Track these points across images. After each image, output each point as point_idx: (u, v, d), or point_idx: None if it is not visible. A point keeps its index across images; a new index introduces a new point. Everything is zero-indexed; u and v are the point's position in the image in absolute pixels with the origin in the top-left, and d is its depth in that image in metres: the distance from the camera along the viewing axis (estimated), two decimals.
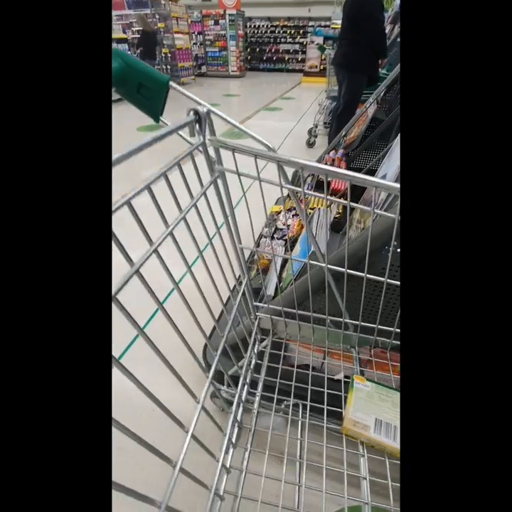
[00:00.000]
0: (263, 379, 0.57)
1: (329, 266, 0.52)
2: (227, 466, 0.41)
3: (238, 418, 0.48)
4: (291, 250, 1.04)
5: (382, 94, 1.45)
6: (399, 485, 0.43)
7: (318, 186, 1.19)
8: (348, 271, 0.51)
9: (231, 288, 0.53)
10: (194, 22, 8.40)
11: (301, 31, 8.71)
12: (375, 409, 0.46)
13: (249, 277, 0.56)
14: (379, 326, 0.56)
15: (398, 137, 0.88)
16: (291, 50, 9.03)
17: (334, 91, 3.20)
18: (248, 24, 9.05)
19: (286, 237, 1.20)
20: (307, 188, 1.43)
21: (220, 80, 8.44)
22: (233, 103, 5.97)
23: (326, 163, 1.42)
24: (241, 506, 0.42)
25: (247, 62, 9.28)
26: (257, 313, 0.63)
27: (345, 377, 0.58)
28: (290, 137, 3.82)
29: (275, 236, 1.43)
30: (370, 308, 0.59)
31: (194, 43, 8.46)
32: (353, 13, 2.25)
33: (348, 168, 1.47)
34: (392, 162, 0.81)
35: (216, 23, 8.38)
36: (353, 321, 0.58)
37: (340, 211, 1.01)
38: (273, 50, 9.26)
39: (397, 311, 0.55)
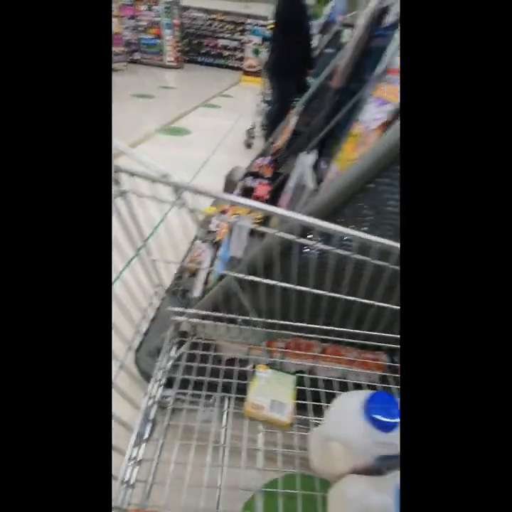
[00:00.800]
0: (180, 378, 0.63)
1: (236, 274, 0.60)
2: (139, 459, 0.46)
3: (152, 416, 0.53)
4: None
5: (304, 106, 1.59)
6: (288, 450, 0.54)
7: (245, 192, 1.28)
8: (251, 277, 0.59)
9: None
10: (125, 5, 7.81)
11: (240, 28, 8.74)
12: (271, 392, 0.55)
13: (163, 287, 0.61)
14: (280, 322, 0.66)
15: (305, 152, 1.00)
16: (229, 47, 9.02)
17: (268, 95, 3.34)
18: (184, 14, 8.74)
19: (215, 241, 1.26)
20: (237, 194, 1.51)
21: (156, 69, 8.02)
22: (170, 96, 5.76)
23: (254, 169, 1.51)
24: (171, 493, 0.46)
25: (184, 54, 8.98)
26: (175, 318, 0.68)
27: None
28: (229, 137, 3.87)
29: (207, 239, 1.48)
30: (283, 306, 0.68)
31: (125, 28, 7.86)
32: (280, 20, 2.38)
33: (276, 173, 1.58)
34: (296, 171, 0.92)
35: (149, 8, 7.92)
36: (259, 319, 0.67)
37: (260, 216, 1.10)
38: (211, 45, 9.13)
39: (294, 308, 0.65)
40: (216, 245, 1.24)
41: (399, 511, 0.32)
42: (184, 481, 0.50)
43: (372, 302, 0.60)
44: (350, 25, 3.35)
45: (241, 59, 8.65)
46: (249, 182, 1.31)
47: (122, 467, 0.44)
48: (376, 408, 0.39)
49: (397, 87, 0.60)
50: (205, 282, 1.00)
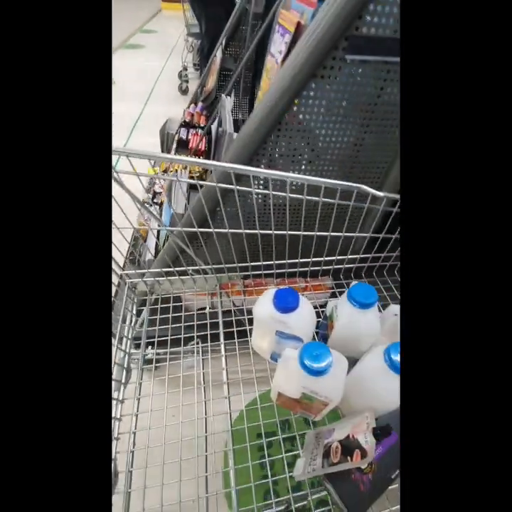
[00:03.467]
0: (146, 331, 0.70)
1: (183, 229, 0.64)
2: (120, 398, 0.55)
3: (125, 364, 0.60)
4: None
5: (226, 40, 1.46)
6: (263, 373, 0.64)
7: (180, 144, 1.23)
8: (197, 229, 0.63)
9: None
10: None
11: None
12: None
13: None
14: (228, 265, 0.72)
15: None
16: None
17: (195, 27, 2.94)
18: None
19: (159, 203, 1.25)
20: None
21: None
22: None
23: (185, 119, 1.43)
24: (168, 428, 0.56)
25: None
26: (130, 281, 0.72)
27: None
28: (160, 83, 3.47)
29: (154, 201, 1.45)
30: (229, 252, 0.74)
31: None
32: None
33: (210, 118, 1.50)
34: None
35: None
36: (207, 266, 0.73)
37: (199, 170, 1.09)
38: None
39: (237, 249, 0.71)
40: (162, 206, 1.23)
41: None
42: (179, 417, 0.58)
43: (313, 233, 0.67)
44: None
45: None
46: (184, 134, 1.25)
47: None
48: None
49: (294, 14, 0.58)
50: (156, 245, 1.02)
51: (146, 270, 0.74)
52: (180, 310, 0.75)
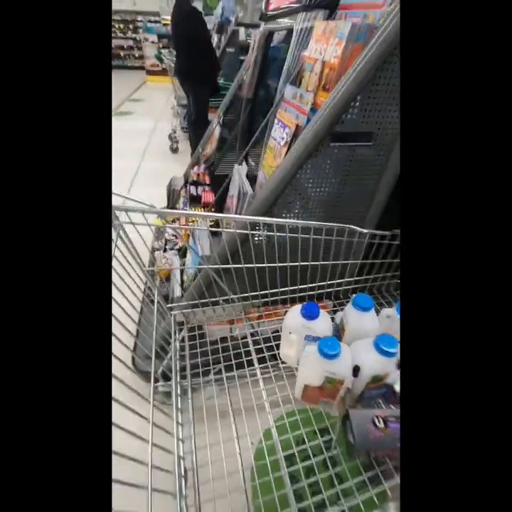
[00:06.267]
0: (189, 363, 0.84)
1: (210, 266, 0.82)
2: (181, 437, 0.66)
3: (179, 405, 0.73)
4: (184, 257, 1.30)
5: (223, 116, 1.80)
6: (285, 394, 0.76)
7: (193, 200, 1.47)
8: (222, 266, 0.82)
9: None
10: None
11: (131, 26, 8.36)
12: None
13: (158, 290, 0.80)
14: (251, 294, 0.91)
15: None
16: (125, 46, 8.58)
17: (183, 98, 3.44)
18: None
19: (178, 247, 1.44)
20: (183, 202, 1.68)
21: None
22: None
23: (192, 178, 1.69)
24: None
25: None
26: (171, 313, 0.88)
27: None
28: (152, 144, 3.87)
29: (167, 247, 1.64)
30: (252, 283, 0.92)
31: None
32: (180, 32, 2.51)
33: (212, 176, 1.78)
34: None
35: None
36: (237, 296, 0.91)
37: (213, 220, 1.31)
38: None
39: (258, 280, 0.90)
40: (180, 250, 1.42)
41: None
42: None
43: (311, 263, 0.87)
44: (244, 25, 3.60)
45: (141, 57, 8.32)
46: (194, 190, 1.50)
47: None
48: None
49: (290, 115, 0.87)
50: (181, 283, 1.19)
51: (196, 301, 0.91)
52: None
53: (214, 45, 3.55)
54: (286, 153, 0.85)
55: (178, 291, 1.12)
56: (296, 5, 1.01)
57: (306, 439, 0.69)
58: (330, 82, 0.77)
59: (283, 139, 0.87)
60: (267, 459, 0.68)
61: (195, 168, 1.75)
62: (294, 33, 1.05)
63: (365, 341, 0.64)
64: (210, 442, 0.68)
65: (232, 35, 3.33)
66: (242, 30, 3.46)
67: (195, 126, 3.05)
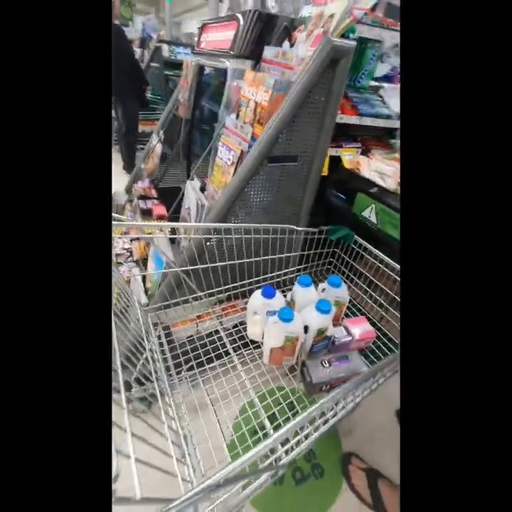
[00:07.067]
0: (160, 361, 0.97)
1: (181, 268, 0.97)
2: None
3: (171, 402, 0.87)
4: (145, 266, 1.39)
5: (162, 134, 1.92)
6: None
7: (144, 213, 1.56)
8: (190, 267, 0.98)
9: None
10: None
11: None
12: None
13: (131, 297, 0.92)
14: (217, 289, 1.08)
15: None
16: None
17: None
18: None
19: (135, 260, 1.51)
20: (131, 216, 1.74)
21: None
22: None
23: (139, 193, 1.77)
24: None
25: None
26: (148, 314, 0.99)
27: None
28: None
29: (120, 261, 1.67)
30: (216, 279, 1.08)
31: None
32: None
33: (158, 189, 1.88)
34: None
35: None
36: (204, 292, 1.07)
37: (169, 229, 1.44)
38: None
39: (221, 277, 1.07)
40: (137, 261, 1.49)
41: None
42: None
43: (262, 258, 1.09)
44: (166, 42, 3.73)
45: None
46: (143, 204, 1.59)
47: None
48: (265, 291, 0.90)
49: (233, 140, 1.08)
50: (145, 290, 1.28)
51: (169, 301, 1.03)
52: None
53: (138, 58, 3.59)
54: (234, 172, 1.06)
55: (143, 298, 1.21)
56: (223, 52, 1.23)
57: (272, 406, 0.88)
58: (263, 118, 1.01)
59: (230, 159, 1.08)
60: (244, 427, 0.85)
61: (139, 182, 1.82)
62: (229, 71, 1.28)
63: (310, 307, 0.88)
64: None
65: (155, 52, 3.43)
66: (165, 46, 3.59)
67: (126, 138, 3.06)
